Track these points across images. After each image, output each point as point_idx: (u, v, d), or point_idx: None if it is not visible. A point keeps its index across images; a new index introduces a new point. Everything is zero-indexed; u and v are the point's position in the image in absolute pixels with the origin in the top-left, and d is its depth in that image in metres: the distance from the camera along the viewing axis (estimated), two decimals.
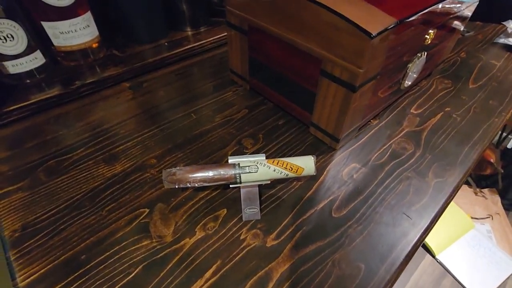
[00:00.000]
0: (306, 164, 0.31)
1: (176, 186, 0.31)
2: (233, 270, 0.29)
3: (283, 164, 0.31)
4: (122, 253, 0.31)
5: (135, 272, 0.29)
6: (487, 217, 1.12)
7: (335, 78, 0.35)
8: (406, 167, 0.40)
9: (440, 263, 0.93)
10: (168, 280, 0.29)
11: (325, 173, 0.39)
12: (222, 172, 0.31)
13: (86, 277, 0.29)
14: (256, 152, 0.42)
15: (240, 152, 0.41)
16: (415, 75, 0.47)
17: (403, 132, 0.45)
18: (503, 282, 1.02)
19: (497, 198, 1.19)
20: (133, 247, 0.31)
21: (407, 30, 0.36)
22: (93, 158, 0.41)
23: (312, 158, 0.32)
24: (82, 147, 0.43)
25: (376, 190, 0.37)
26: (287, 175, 0.31)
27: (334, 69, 0.35)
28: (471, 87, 0.54)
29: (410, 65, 0.44)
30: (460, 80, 0.56)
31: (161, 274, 0.29)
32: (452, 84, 0.55)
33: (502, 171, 1.16)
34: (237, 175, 0.31)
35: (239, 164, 0.31)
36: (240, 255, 0.31)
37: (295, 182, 0.38)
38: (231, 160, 0.32)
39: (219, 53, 0.64)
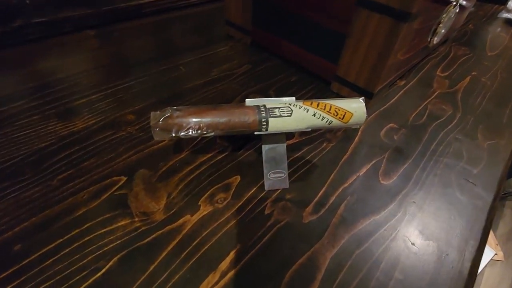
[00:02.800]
0: (355, 108, 0.23)
1: (173, 135, 0.21)
2: (261, 257, 0.20)
3: (325, 107, 0.22)
4: (85, 240, 0.20)
5: (106, 267, 0.18)
6: None
7: (380, 6, 0.27)
8: (450, 128, 0.33)
9: None
10: (163, 277, 0.18)
11: (359, 133, 0.31)
12: (241, 116, 0.21)
13: (22, 278, 0.18)
14: None
15: None
16: (443, 31, 0.41)
17: (436, 93, 0.38)
18: (481, 270, 1.03)
19: None
20: (103, 230, 0.20)
21: None
22: (41, 112, 0.29)
23: (361, 100, 0.23)
24: (23, 99, 0.30)
25: (425, 153, 0.29)
26: (330, 123, 0.22)
27: None
28: (489, 54, 0.50)
29: (444, 15, 0.37)
30: (476, 48, 0.51)
31: (150, 268, 0.19)
32: (470, 51, 0.50)
33: None
34: (263, 119, 0.21)
35: (264, 105, 0.22)
36: (268, 235, 0.21)
37: (325, 144, 0.29)
38: (251, 102, 0.22)
39: (208, 9, 0.54)
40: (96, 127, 0.28)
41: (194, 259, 0.19)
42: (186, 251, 0.20)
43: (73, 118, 0.29)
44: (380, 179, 0.26)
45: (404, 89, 0.38)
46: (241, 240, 0.21)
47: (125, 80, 0.34)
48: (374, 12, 0.28)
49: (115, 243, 0.20)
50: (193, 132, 0.21)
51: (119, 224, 0.21)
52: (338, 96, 0.35)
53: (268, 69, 0.39)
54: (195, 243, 0.20)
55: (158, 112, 0.21)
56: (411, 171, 0.27)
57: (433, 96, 0.38)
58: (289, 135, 0.29)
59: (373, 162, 0.28)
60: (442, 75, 0.42)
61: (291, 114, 0.22)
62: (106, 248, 0.19)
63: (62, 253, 0.19)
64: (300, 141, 0.29)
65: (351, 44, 0.31)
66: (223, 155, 0.26)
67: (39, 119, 0.28)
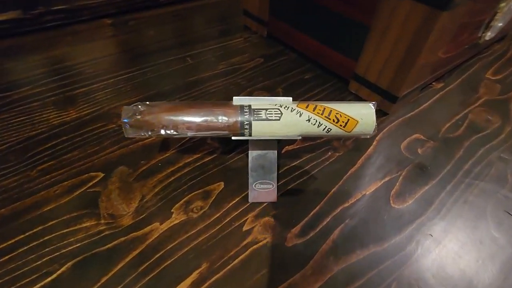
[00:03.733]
0: (361, 115, 0.19)
1: (143, 134, 0.18)
2: (227, 282, 0.17)
3: (323, 112, 0.18)
4: (45, 239, 0.18)
5: (57, 272, 0.17)
6: None
7: None
8: (495, 144, 0.27)
9: None
10: None
11: (374, 143, 0.26)
12: (221, 116, 0.18)
13: None
14: None
15: None
16: (500, 24, 0.33)
17: (481, 100, 0.32)
18: None
19: None
20: (66, 230, 0.19)
21: None
22: (41, 99, 0.29)
23: (372, 106, 0.19)
24: (28, 85, 0.30)
25: (456, 173, 0.24)
26: (329, 131, 0.19)
27: None
28: None
29: (502, 4, 0.30)
30: None
31: (102, 280, 0.17)
32: None
33: None
34: (245, 122, 0.18)
35: (249, 106, 0.19)
36: (241, 257, 0.18)
37: (330, 153, 0.25)
38: (238, 100, 0.19)
39: None
40: (89, 118, 0.27)
41: (151, 275, 0.17)
42: (146, 265, 0.17)
43: (68, 107, 0.28)
44: (391, 201, 0.22)
45: (441, 93, 0.32)
46: (209, 259, 0.18)
47: (129, 70, 0.33)
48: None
49: (73, 246, 0.18)
50: (166, 132, 0.18)
51: (84, 225, 0.19)
52: (357, 97, 0.31)
53: (281, 64, 0.36)
54: (157, 256, 0.18)
55: (131, 106, 0.19)
56: (434, 195, 0.22)
57: (477, 104, 0.31)
58: (288, 140, 0.25)
59: (386, 179, 0.23)
60: (493, 78, 0.35)
61: (280, 117, 0.18)
62: (63, 251, 0.18)
63: (19, 251, 0.18)
64: (301, 148, 0.25)
65: (375, 37, 0.26)
66: (210, 158, 0.24)
67: (37, 106, 0.28)
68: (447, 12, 0.21)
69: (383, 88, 0.28)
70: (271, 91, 0.31)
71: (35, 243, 0.18)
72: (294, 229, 0.20)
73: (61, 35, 0.39)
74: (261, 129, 0.18)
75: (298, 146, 0.25)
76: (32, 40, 0.37)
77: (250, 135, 0.19)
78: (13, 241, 0.18)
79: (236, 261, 0.18)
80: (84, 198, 0.21)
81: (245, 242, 0.19)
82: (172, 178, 0.22)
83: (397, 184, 0.23)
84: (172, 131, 0.18)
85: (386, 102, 0.28)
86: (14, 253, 0.18)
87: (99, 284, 0.17)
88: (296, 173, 0.23)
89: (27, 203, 0.20)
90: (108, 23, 0.42)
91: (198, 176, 0.23)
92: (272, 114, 0.18)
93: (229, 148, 0.25)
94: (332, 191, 0.22)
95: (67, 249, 0.18)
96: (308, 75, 0.34)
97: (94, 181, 0.22)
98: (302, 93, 0.31)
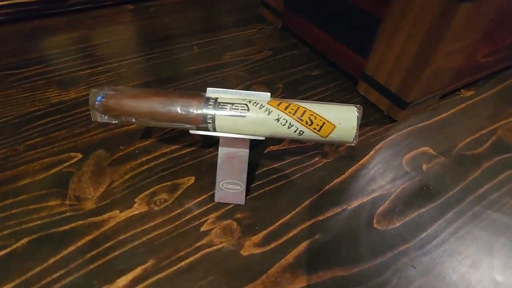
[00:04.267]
0: (339, 119, 0.16)
1: (106, 118, 0.18)
2: (168, 284, 0.16)
3: (296, 111, 0.16)
4: (11, 212, 0.19)
5: (12, 247, 0.17)
6: None
7: None
8: None
9: None
10: (56, 275, 0.16)
11: (372, 153, 0.23)
12: (181, 107, 0.17)
13: None
14: None
15: None
16: None
17: None
18: None
19: None
20: (32, 206, 0.19)
21: None
22: (48, 78, 0.30)
23: (355, 109, 0.16)
24: (41, 64, 0.32)
25: (465, 198, 0.20)
26: (301, 134, 0.17)
27: None
28: None
29: None
30: None
31: (50, 261, 0.17)
32: None
33: None
34: (208, 116, 0.17)
35: (216, 99, 0.17)
36: (190, 259, 0.17)
37: (318, 158, 0.23)
38: (210, 92, 0.18)
39: None
40: (84, 99, 0.28)
41: (96, 264, 0.17)
42: (94, 252, 0.17)
43: (70, 88, 0.29)
44: (374, 220, 0.19)
45: (468, 102, 0.28)
46: (157, 256, 0.17)
47: (134, 55, 0.33)
48: None
49: (34, 223, 0.18)
50: (127, 119, 0.18)
51: (49, 203, 0.19)
52: (364, 100, 0.28)
53: (290, 58, 0.33)
54: (107, 245, 0.17)
55: (98, 89, 0.18)
56: (429, 221, 0.19)
57: (511, 119, 0.26)
58: (277, 139, 0.23)
59: (375, 195, 0.20)
60: None
61: (246, 114, 0.17)
62: (24, 226, 0.18)
63: None
64: (287, 149, 0.23)
65: (386, 32, 0.23)
66: (188, 150, 0.23)
67: (41, 84, 0.29)
68: (469, 3, 0.18)
69: (392, 91, 0.24)
70: (271, 86, 0.29)
71: (1, 215, 0.19)
72: (255, 237, 0.18)
73: (83, 19, 0.40)
74: (225, 125, 0.17)
75: (284, 147, 0.23)
76: (56, 22, 0.39)
77: (214, 130, 0.17)
78: None
79: (184, 263, 0.17)
80: (57, 177, 0.21)
81: (198, 244, 0.18)
82: (145, 167, 0.22)
83: (387, 202, 0.20)
84: (133, 118, 0.17)
85: (395, 107, 0.25)
86: None
87: (45, 265, 0.17)
88: (274, 176, 0.21)
89: (7, 175, 0.21)
90: (129, 8, 0.43)
91: (171, 167, 0.22)
92: (238, 109, 0.17)
93: (211, 142, 0.23)
94: (309, 200, 0.20)
95: (27, 225, 0.18)
96: (316, 72, 0.31)
97: (71, 161, 0.22)
98: (304, 90, 0.29)
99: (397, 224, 0.19)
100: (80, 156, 0.23)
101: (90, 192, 0.20)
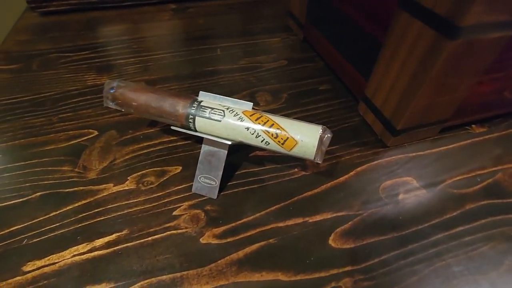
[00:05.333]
0: (304, 136, 0.17)
1: (113, 106, 0.21)
2: (133, 252, 0.19)
3: (266, 123, 0.18)
4: (33, 170, 0.23)
5: (28, 197, 0.22)
6: None
7: (422, 10, 0.19)
8: (511, 218, 0.21)
9: None
10: (52, 226, 0.20)
11: (352, 173, 0.23)
12: (170, 105, 0.20)
13: None
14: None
15: None
16: None
17: None
18: None
19: None
20: (49, 168, 0.24)
21: None
22: (89, 63, 0.35)
23: (320, 130, 0.18)
24: (87, 50, 0.37)
25: (432, 235, 0.20)
26: (267, 144, 0.18)
27: None
28: None
29: None
30: None
31: (51, 214, 0.21)
32: None
33: None
34: (190, 116, 0.19)
35: (200, 102, 0.19)
36: (156, 236, 0.20)
37: (296, 169, 0.24)
38: (201, 95, 0.20)
39: None
40: None
41: (83, 224, 0.20)
42: (84, 214, 0.21)
43: (104, 74, 0.34)
44: (331, 237, 0.20)
45: (476, 139, 0.26)
46: (131, 228, 0.20)
47: (163, 51, 0.37)
48: (416, 18, 0.20)
49: (48, 182, 0.23)
50: (127, 109, 0.21)
51: (63, 168, 0.24)
52: (363, 121, 0.28)
53: (303, 70, 0.34)
54: (96, 210, 0.21)
55: (111, 81, 0.22)
56: (387, 249, 0.19)
57: None
58: None
59: (340, 214, 0.21)
60: None
61: (221, 119, 0.19)
62: (40, 183, 0.23)
63: (15, 172, 0.23)
64: (269, 156, 0.25)
65: (386, 57, 0.23)
66: (184, 142, 0.26)
67: (84, 68, 0.34)
68: (457, 42, 0.18)
69: (386, 117, 0.25)
70: (275, 95, 0.31)
71: (27, 170, 0.23)
72: (216, 229, 0.20)
73: (131, 13, 0.45)
74: (203, 126, 0.19)
75: (268, 154, 0.25)
76: (109, 15, 0.45)
77: (195, 129, 0.20)
78: (14, 164, 0.24)
79: (150, 238, 0.20)
80: (75, 148, 0.25)
81: (167, 225, 0.20)
82: (144, 151, 0.25)
83: (350, 223, 0.20)
84: (131, 109, 0.21)
85: (386, 132, 0.25)
86: (10, 173, 0.23)
87: (47, 216, 0.21)
88: (250, 179, 0.23)
89: (39, 140, 0.26)
90: (172, 7, 0.47)
91: (164, 155, 0.25)
92: (215, 114, 0.19)
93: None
94: (275, 207, 0.21)
95: (43, 182, 0.23)
96: (323, 87, 0.32)
97: (88, 136, 0.26)
98: (305, 103, 0.30)
99: (352, 246, 0.19)
100: (96, 133, 0.27)
101: (95, 165, 0.24)
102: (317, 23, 0.34)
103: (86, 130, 0.27)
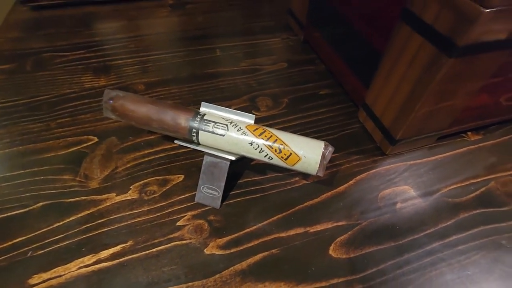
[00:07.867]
0: (307, 153, 0.18)
1: (113, 117, 0.21)
2: (137, 265, 0.19)
3: (269, 139, 0.18)
4: (34, 179, 0.23)
5: (30, 207, 0.22)
6: None
7: (423, 26, 0.19)
8: (503, 227, 0.22)
9: None
10: (57, 237, 0.20)
11: (351, 182, 0.24)
12: (174, 118, 0.20)
13: None
14: (270, 119, 0.29)
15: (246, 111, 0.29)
16: None
17: None
18: None
19: None
20: (50, 177, 0.24)
21: None
22: (86, 63, 0.34)
23: (322, 146, 0.18)
24: (84, 49, 0.36)
25: (427, 244, 0.21)
26: (271, 159, 0.18)
27: (426, 8, 0.19)
28: None
29: None
30: None
31: (54, 225, 0.21)
32: None
33: None
34: (193, 129, 0.19)
35: (204, 115, 0.20)
36: (161, 247, 0.20)
37: (297, 178, 0.24)
38: (203, 106, 0.20)
39: None
40: (111, 88, 0.31)
41: (88, 235, 0.20)
42: (88, 225, 0.21)
43: (101, 75, 0.33)
44: (331, 247, 0.20)
45: (471, 147, 0.27)
46: (136, 239, 0.20)
47: (162, 51, 0.37)
48: (416, 33, 0.20)
49: (49, 191, 0.23)
50: (127, 121, 0.21)
51: (64, 177, 0.24)
52: (362, 128, 0.28)
53: (303, 73, 0.34)
54: (100, 221, 0.21)
55: (110, 90, 0.22)
56: (384, 258, 0.20)
57: (511, 172, 0.25)
58: None
59: (340, 223, 0.22)
60: None
61: (225, 134, 0.19)
62: (41, 192, 0.23)
63: (14, 182, 0.23)
64: (273, 166, 0.25)
65: (386, 66, 0.24)
66: (186, 150, 0.26)
67: (80, 69, 0.34)
68: (456, 59, 0.18)
69: (385, 126, 0.25)
70: (276, 100, 0.31)
71: (28, 179, 0.23)
72: (220, 239, 0.21)
73: (127, 9, 0.44)
74: (206, 140, 0.19)
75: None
76: (104, 10, 0.44)
77: (198, 143, 0.20)
78: (13, 173, 0.24)
79: (155, 249, 0.20)
80: (75, 155, 0.25)
81: (171, 236, 0.21)
82: (146, 159, 0.25)
83: (349, 232, 0.21)
84: (132, 121, 0.20)
85: (385, 141, 0.25)
86: (10, 183, 0.23)
87: (50, 227, 0.21)
88: (252, 188, 0.23)
89: (37, 147, 0.26)
90: (170, 3, 0.46)
91: (166, 163, 0.25)
92: (219, 128, 0.19)
93: None
94: (277, 217, 0.22)
95: (44, 192, 0.23)
96: (324, 91, 0.32)
97: (88, 143, 0.26)
98: (305, 109, 0.30)
99: (351, 255, 0.20)
100: (96, 139, 0.26)
101: (96, 173, 0.24)
102: (318, 25, 0.34)
103: (85, 137, 0.27)
